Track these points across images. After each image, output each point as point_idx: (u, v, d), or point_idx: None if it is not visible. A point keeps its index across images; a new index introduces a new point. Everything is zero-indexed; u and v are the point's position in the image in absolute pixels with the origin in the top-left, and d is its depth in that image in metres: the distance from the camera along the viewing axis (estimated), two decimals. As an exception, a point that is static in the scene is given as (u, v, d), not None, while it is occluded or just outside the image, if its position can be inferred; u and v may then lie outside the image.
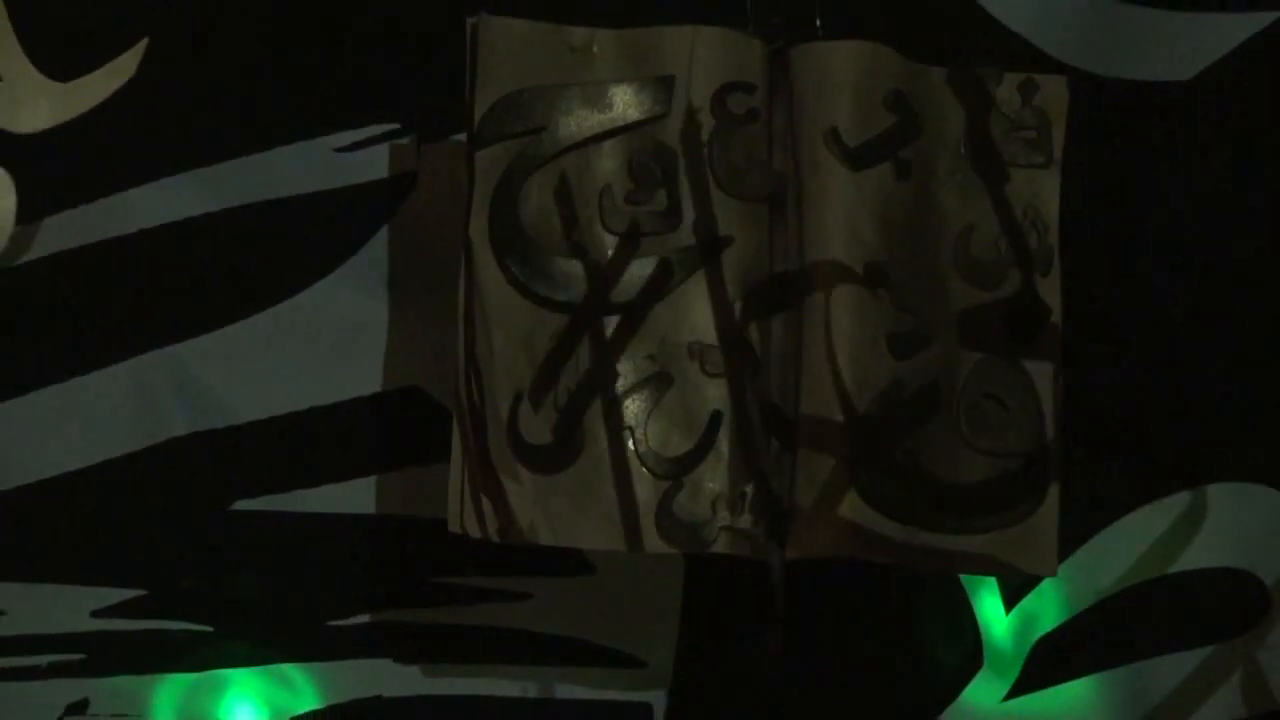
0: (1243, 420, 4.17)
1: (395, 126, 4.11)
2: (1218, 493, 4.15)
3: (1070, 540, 3.95)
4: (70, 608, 4.06)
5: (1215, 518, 4.13)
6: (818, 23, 3.77)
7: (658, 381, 3.64)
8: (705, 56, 3.65)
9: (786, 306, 3.68)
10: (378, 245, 4.12)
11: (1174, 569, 4.17)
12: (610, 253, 3.66)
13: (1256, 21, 4.02)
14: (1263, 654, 4.14)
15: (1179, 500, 4.15)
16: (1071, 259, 3.81)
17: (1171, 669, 4.14)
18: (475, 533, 3.64)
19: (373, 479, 4.10)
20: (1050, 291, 3.75)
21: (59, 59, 3.96)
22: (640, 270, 3.66)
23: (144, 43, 3.94)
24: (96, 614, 4.06)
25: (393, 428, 4.10)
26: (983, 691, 4.09)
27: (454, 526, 3.66)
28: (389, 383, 4.11)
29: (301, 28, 4.11)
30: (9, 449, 4.07)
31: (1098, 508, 4.13)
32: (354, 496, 4.09)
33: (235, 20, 4.08)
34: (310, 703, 4.15)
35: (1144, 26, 4.08)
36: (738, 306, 3.68)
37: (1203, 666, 4.13)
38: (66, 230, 4.05)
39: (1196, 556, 4.15)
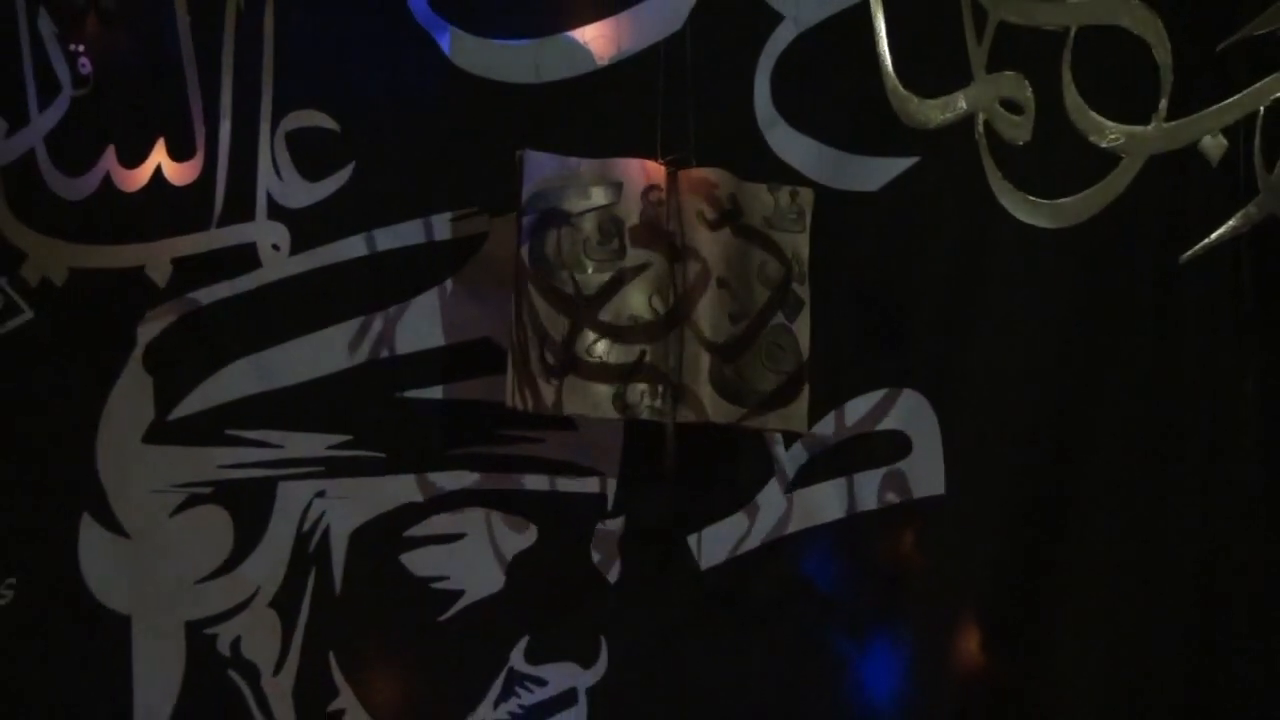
0: (909, 347, 5.20)
1: (477, 209, 5.25)
2: (901, 392, 5.26)
3: (818, 413, 5.10)
4: (314, 443, 5.25)
5: (902, 405, 5.23)
6: (692, 158, 4.98)
7: (612, 335, 4.88)
8: (636, 173, 4.91)
9: (676, 299, 4.90)
10: (471, 267, 5.22)
11: (877, 429, 5.26)
12: (589, 270, 4.89)
13: (906, 162, 5.19)
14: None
15: (881, 394, 5.25)
16: (815, 278, 5.08)
17: (872, 480, 5.22)
18: (520, 407, 4.87)
19: (467, 381, 5.22)
20: (804, 293, 5.03)
21: (312, 169, 5.09)
22: (602, 279, 4.88)
23: (352, 164, 5.11)
24: (330, 447, 5.25)
25: (476, 358, 5.19)
26: (772, 488, 5.24)
27: (509, 404, 4.87)
28: (473, 335, 5.23)
29: (429, 158, 5.23)
30: (289, 365, 5.24)
31: (833, 396, 5.18)
32: (458, 390, 5.21)
33: (396, 153, 5.22)
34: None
35: (852, 163, 5.24)
36: (653, 298, 4.89)
37: (890, 474, 5.14)
38: (313, 259, 5.23)
39: (888, 422, 5.24)
